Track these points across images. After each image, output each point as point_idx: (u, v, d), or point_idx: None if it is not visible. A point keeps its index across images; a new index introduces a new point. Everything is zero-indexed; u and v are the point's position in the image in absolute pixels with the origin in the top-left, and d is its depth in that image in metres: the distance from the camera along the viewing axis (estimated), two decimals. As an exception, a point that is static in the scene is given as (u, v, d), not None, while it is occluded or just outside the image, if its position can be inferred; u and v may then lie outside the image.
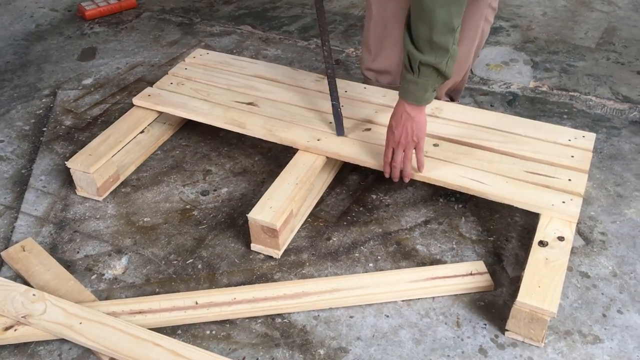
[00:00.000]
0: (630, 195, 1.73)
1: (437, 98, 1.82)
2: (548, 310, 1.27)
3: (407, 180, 1.58)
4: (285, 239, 1.57)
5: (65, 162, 1.71)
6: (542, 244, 1.41)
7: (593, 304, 1.43)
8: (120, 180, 1.80)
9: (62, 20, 2.74)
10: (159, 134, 1.93)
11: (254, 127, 1.76)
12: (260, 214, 1.50)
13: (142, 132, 1.88)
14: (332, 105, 1.73)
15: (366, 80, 1.92)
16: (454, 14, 1.30)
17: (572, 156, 1.63)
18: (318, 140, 1.70)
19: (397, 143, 1.52)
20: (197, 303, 1.42)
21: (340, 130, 1.71)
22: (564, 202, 1.49)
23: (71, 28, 2.67)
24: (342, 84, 1.88)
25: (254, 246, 1.57)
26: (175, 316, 1.39)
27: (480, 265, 1.51)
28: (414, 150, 1.53)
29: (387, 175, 1.60)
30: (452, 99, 1.86)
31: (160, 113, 1.91)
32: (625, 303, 1.43)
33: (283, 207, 1.51)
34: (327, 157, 1.68)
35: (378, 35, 1.75)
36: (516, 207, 1.69)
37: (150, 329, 1.36)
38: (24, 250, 1.57)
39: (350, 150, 1.67)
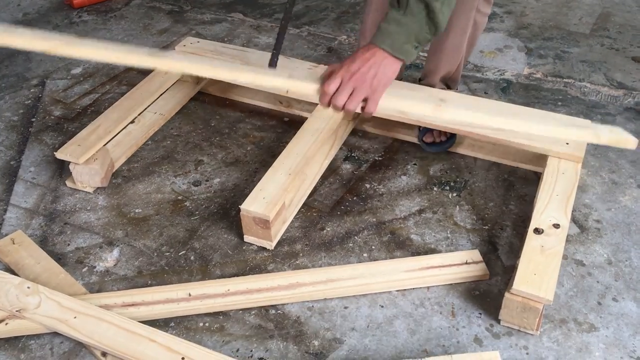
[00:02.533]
0: (625, 183, 1.73)
1: (431, 85, 1.79)
2: (544, 297, 1.26)
3: (345, 114, 1.33)
4: (278, 230, 1.56)
5: (55, 153, 1.68)
6: (537, 231, 1.40)
7: (588, 292, 1.43)
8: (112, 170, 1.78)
9: (50, 8, 2.70)
10: (150, 123, 1.90)
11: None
12: (253, 205, 1.48)
13: (132, 122, 1.86)
14: (272, 53, 1.60)
15: None
16: None
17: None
18: None
19: (349, 77, 1.22)
20: (190, 295, 1.40)
21: (273, 62, 1.56)
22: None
23: (59, 16, 2.63)
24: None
25: (247, 238, 1.55)
26: (169, 308, 1.38)
27: (475, 254, 1.50)
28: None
29: (322, 104, 1.29)
30: (448, 87, 1.84)
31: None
32: (620, 291, 1.43)
33: (276, 198, 1.50)
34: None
35: (377, 22, 1.72)
36: (511, 195, 1.69)
37: (143, 321, 1.35)
38: (13, 243, 1.55)
39: None
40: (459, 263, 1.48)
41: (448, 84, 1.84)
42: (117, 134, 1.79)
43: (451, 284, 1.45)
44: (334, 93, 1.24)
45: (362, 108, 1.27)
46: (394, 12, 1.21)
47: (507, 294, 1.30)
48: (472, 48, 1.75)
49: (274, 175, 1.56)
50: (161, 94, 1.95)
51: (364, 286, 1.43)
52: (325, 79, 1.27)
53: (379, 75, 1.23)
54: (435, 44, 1.77)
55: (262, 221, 1.48)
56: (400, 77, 1.87)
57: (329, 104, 1.27)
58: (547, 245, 1.37)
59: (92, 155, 1.68)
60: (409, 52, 1.23)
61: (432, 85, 1.81)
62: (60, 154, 1.67)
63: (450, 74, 1.78)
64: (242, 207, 1.48)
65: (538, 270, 1.31)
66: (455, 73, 1.79)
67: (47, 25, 2.55)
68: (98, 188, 1.73)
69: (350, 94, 1.24)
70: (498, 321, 1.36)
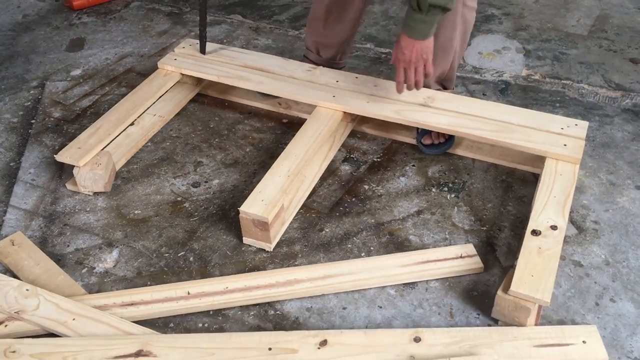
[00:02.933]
0: (622, 184, 1.73)
1: (426, 87, 1.81)
2: (541, 299, 1.27)
3: (419, 88, 1.68)
4: (277, 232, 1.56)
5: (55, 156, 1.69)
6: (535, 233, 1.41)
7: (586, 292, 1.43)
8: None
9: (50, 10, 2.71)
10: (150, 126, 1.90)
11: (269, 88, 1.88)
12: (252, 207, 1.48)
13: (132, 124, 1.86)
14: (199, 30, 1.99)
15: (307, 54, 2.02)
16: None
17: (565, 144, 1.63)
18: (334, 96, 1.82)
19: (409, 62, 1.60)
20: (189, 293, 1.41)
21: (202, 49, 2.02)
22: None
23: (59, 18, 2.64)
24: (333, 74, 1.87)
25: (246, 239, 1.56)
26: (168, 307, 1.39)
27: (469, 248, 1.51)
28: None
29: (399, 92, 1.72)
30: (444, 88, 1.85)
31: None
32: (617, 292, 1.43)
33: (275, 200, 1.50)
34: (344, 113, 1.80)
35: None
36: (509, 197, 1.69)
37: (142, 320, 1.36)
38: (13, 245, 1.56)
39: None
40: (454, 257, 1.49)
41: (443, 84, 1.84)
42: (117, 137, 1.80)
43: (449, 285, 1.45)
44: (406, 79, 1.66)
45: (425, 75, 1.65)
46: (417, 14, 1.51)
47: (499, 293, 1.31)
48: (464, 45, 1.76)
49: (273, 177, 1.57)
50: (160, 96, 1.96)
51: (362, 281, 1.44)
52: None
53: (424, 48, 1.58)
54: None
55: (261, 223, 1.49)
56: None
57: (401, 90, 1.71)
58: (544, 247, 1.38)
59: (96, 160, 1.68)
60: (433, 32, 1.56)
61: (427, 86, 1.81)
62: (60, 157, 1.68)
63: (445, 73, 1.79)
64: (241, 209, 1.49)
65: (535, 271, 1.32)
66: (450, 72, 1.79)
67: (46, 27, 2.56)
68: (97, 189, 1.74)
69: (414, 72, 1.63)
70: (496, 322, 1.36)
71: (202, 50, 2.03)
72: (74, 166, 1.68)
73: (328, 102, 1.80)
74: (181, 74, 2.00)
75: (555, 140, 1.64)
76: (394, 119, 1.75)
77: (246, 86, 1.90)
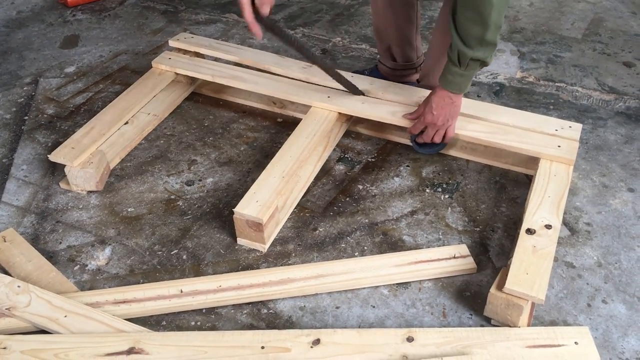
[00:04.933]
0: (615, 186, 1.74)
1: (430, 86, 1.81)
2: (536, 296, 1.27)
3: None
4: (271, 233, 1.56)
5: (48, 156, 1.68)
6: (529, 231, 1.41)
7: (578, 294, 1.44)
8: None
9: (44, 7, 2.69)
10: (144, 124, 1.89)
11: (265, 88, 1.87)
12: (246, 208, 1.48)
13: (126, 123, 1.85)
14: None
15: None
16: (503, 13, 1.43)
17: (559, 146, 1.63)
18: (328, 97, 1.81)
19: (434, 123, 1.63)
20: (182, 291, 1.41)
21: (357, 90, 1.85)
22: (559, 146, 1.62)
23: (53, 15, 2.63)
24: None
25: (240, 240, 1.55)
26: (160, 305, 1.38)
27: (463, 249, 1.52)
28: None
29: (412, 133, 1.75)
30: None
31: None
32: (609, 293, 1.44)
33: (270, 201, 1.50)
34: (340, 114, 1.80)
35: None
36: (502, 198, 1.70)
37: (135, 318, 1.35)
38: (5, 241, 1.55)
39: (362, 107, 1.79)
40: (448, 257, 1.49)
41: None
42: (111, 136, 1.79)
43: (442, 285, 1.45)
44: (423, 135, 1.70)
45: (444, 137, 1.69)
46: (456, 69, 1.53)
47: (491, 290, 1.31)
48: None
49: (267, 178, 1.56)
50: (155, 95, 1.95)
51: (354, 281, 1.44)
52: (414, 116, 1.71)
53: (450, 113, 1.62)
54: (434, 43, 1.79)
55: (255, 224, 1.48)
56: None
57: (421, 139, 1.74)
58: (539, 246, 1.38)
59: (88, 159, 1.68)
60: (468, 86, 1.59)
61: (430, 87, 1.82)
62: (53, 157, 1.67)
63: None
64: (235, 210, 1.48)
65: (530, 269, 1.32)
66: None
67: (40, 24, 2.55)
68: (91, 187, 1.73)
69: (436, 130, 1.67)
70: (489, 322, 1.36)
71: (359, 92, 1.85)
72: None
73: (323, 102, 1.79)
74: (175, 73, 1.99)
75: (549, 142, 1.64)
76: (388, 120, 1.75)
77: (241, 86, 1.90)
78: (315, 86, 1.87)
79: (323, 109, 1.80)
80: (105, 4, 2.71)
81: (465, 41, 1.47)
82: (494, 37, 1.46)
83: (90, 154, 1.69)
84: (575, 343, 1.27)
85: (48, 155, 1.68)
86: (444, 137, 1.68)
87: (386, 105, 1.78)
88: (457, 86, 1.56)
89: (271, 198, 1.51)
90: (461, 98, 1.62)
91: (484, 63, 1.52)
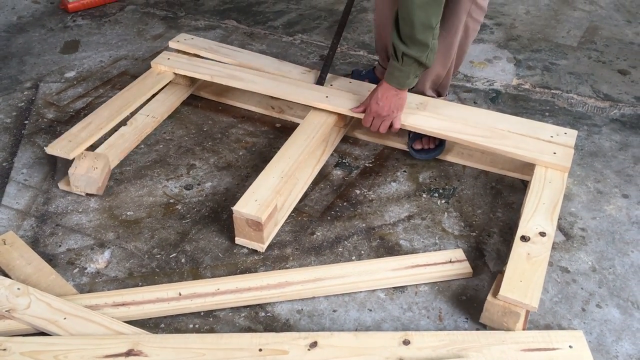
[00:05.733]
0: (610, 192, 1.76)
1: (421, 93, 1.83)
2: (529, 304, 1.28)
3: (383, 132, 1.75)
4: (270, 233, 1.57)
5: (45, 148, 1.69)
6: (524, 239, 1.43)
7: (573, 298, 1.45)
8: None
9: (45, 12, 2.71)
10: (143, 126, 1.91)
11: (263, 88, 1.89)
12: (245, 206, 1.49)
13: (124, 124, 1.87)
14: (324, 63, 1.92)
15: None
16: (432, 14, 1.46)
17: (555, 152, 1.65)
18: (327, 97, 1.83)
19: (379, 114, 1.68)
20: (180, 294, 1.42)
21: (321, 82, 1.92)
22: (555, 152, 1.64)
23: (54, 20, 2.64)
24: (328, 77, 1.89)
25: (238, 240, 1.57)
26: (159, 308, 1.39)
27: (459, 253, 1.53)
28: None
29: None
30: (438, 94, 1.87)
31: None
32: (604, 297, 1.46)
33: (268, 200, 1.51)
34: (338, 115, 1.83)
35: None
36: (498, 203, 1.72)
37: (133, 321, 1.36)
38: (5, 244, 1.56)
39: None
40: (444, 261, 1.51)
41: (438, 90, 1.86)
42: (110, 136, 1.80)
43: (438, 289, 1.47)
44: (371, 126, 1.75)
45: (390, 126, 1.74)
46: (394, 62, 1.58)
47: (488, 298, 1.32)
48: (463, 55, 1.78)
49: (266, 178, 1.58)
50: (153, 95, 1.96)
51: (352, 284, 1.45)
52: (361, 109, 1.77)
53: (394, 105, 1.67)
54: None
55: (255, 223, 1.50)
56: None
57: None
58: (533, 253, 1.39)
59: (94, 164, 1.69)
60: (412, 83, 1.63)
61: (422, 92, 1.84)
62: (50, 150, 1.67)
63: (440, 78, 1.81)
64: (234, 208, 1.50)
65: (524, 277, 1.33)
66: (445, 79, 1.81)
67: (41, 29, 2.57)
68: (90, 190, 1.74)
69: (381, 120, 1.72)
70: (484, 326, 1.38)
71: (320, 82, 1.92)
72: (67, 167, 1.68)
73: (320, 102, 1.81)
74: (174, 74, 2.00)
75: (545, 148, 1.66)
76: (345, 112, 1.77)
77: (239, 85, 1.91)
78: (313, 87, 1.88)
79: (321, 113, 1.81)
80: (105, 9, 2.73)
81: (400, 36, 1.52)
82: (424, 36, 1.49)
83: (94, 157, 1.70)
84: (570, 347, 1.28)
85: (45, 148, 1.69)
86: (390, 127, 1.72)
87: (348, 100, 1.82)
88: (397, 80, 1.60)
89: (270, 197, 1.52)
90: (406, 92, 1.66)
91: (420, 63, 1.55)
